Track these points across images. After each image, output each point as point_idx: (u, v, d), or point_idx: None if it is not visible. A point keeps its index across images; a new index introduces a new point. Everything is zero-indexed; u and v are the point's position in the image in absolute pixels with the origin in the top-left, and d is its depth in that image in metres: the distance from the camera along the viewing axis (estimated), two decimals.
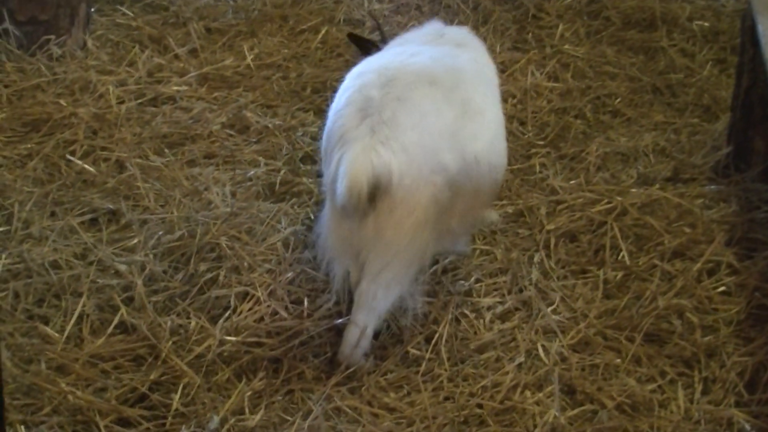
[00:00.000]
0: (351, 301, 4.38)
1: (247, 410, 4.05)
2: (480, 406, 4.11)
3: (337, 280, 4.33)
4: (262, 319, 4.42)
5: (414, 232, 4.06)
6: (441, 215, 4.14)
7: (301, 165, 5.44)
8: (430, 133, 4.04)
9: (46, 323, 4.41)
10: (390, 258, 4.10)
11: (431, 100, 4.12)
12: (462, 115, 4.16)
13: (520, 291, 4.66)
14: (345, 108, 4.11)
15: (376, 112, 4.02)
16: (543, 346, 4.35)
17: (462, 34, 4.87)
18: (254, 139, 5.68)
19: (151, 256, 4.71)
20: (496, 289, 4.68)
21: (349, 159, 3.93)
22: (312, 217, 4.98)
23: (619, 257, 4.88)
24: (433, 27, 4.93)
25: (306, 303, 4.50)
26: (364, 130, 3.99)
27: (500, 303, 4.59)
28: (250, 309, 4.45)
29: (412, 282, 4.29)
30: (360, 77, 4.24)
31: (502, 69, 6.32)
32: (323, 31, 6.77)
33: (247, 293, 4.51)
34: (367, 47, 5.12)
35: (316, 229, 4.51)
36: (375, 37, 5.60)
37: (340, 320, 4.37)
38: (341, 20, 6.94)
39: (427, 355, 4.30)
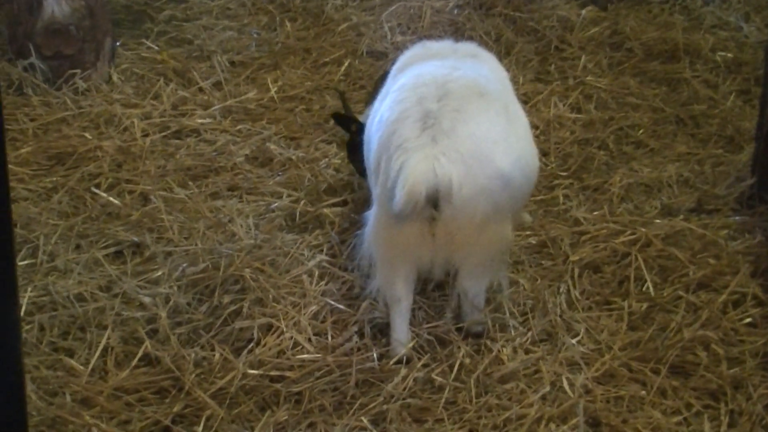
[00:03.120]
0: (381, 330, 4.46)
1: None
2: None
3: (378, 287, 4.45)
4: (283, 352, 4.41)
5: (479, 232, 4.24)
6: (502, 213, 4.31)
7: (324, 196, 5.45)
8: (485, 141, 4.20)
9: (71, 356, 4.42)
10: (466, 255, 4.31)
11: (483, 111, 4.29)
12: (508, 122, 4.35)
13: (545, 322, 4.64)
14: (403, 119, 4.24)
15: (437, 123, 4.17)
16: (567, 378, 4.32)
17: (473, 47, 5.07)
18: (278, 171, 5.70)
19: (175, 288, 4.72)
20: (520, 320, 4.66)
21: (411, 166, 4.06)
22: (336, 247, 4.98)
23: (644, 288, 4.85)
24: (446, 42, 5.11)
25: (330, 336, 4.50)
26: (425, 140, 4.14)
27: (524, 333, 4.57)
28: (273, 341, 4.45)
29: (503, 265, 4.58)
30: (414, 90, 4.35)
31: (525, 100, 6.34)
32: (346, 64, 6.81)
33: (270, 325, 4.51)
34: (348, 125, 5.39)
35: (360, 235, 4.60)
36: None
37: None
38: (364, 53, 6.98)
39: (450, 380, 4.28)
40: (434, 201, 4.10)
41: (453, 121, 4.18)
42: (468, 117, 4.21)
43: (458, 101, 4.26)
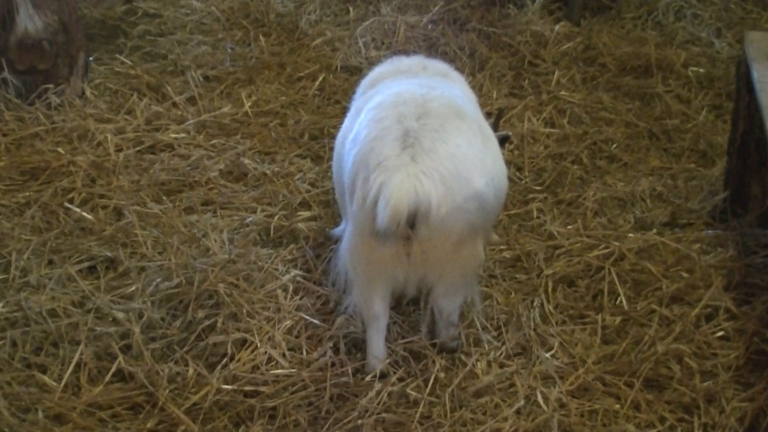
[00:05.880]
0: (356, 345, 4.44)
1: None
2: None
3: (356, 304, 4.44)
4: (258, 367, 4.40)
5: (454, 252, 4.25)
6: (475, 233, 4.32)
7: (299, 211, 5.44)
8: (464, 162, 4.19)
9: (44, 372, 4.40)
10: (440, 274, 4.32)
11: (462, 131, 4.28)
12: (483, 143, 4.35)
13: (519, 336, 4.64)
14: (382, 137, 4.22)
15: (417, 143, 4.16)
16: (542, 391, 4.33)
17: (443, 66, 5.06)
18: (252, 186, 5.69)
19: (148, 303, 4.70)
20: (494, 335, 4.66)
21: (393, 185, 4.05)
22: (310, 262, 4.98)
23: (617, 302, 4.87)
24: (416, 59, 5.12)
25: (304, 351, 4.49)
26: (405, 159, 4.12)
27: (499, 348, 4.58)
28: (247, 356, 4.43)
29: (475, 282, 4.59)
30: (394, 108, 4.33)
31: None
32: (320, 79, 6.82)
33: (245, 340, 4.50)
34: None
35: (335, 251, 4.59)
36: None
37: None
38: (338, 68, 6.99)
39: (425, 395, 4.28)
40: (411, 220, 4.09)
41: (433, 140, 4.17)
42: (447, 137, 4.20)
43: (438, 121, 4.24)
